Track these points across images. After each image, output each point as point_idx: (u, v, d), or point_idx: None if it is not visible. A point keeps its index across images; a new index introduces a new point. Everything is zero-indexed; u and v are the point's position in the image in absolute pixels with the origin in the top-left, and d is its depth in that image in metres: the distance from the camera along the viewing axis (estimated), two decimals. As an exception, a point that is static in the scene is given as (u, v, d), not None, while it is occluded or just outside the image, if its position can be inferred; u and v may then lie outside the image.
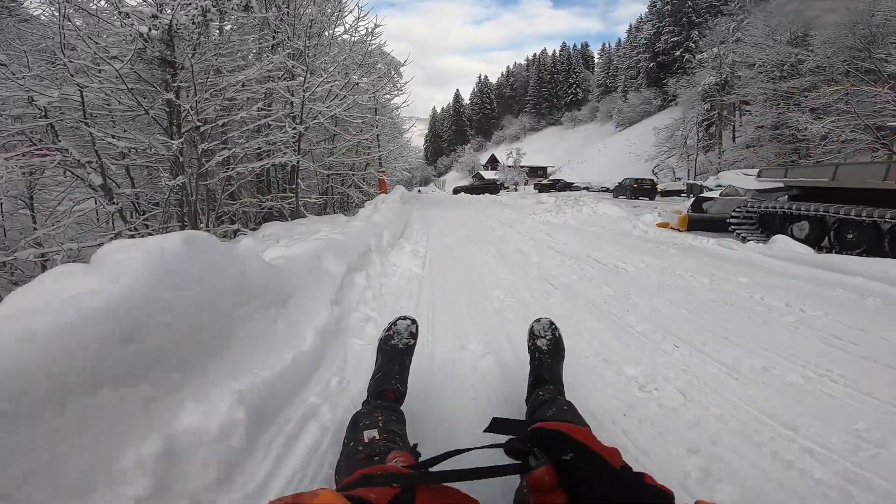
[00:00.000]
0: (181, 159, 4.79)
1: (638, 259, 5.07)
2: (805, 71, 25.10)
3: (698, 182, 21.63)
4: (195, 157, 5.10)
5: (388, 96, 11.75)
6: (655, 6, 64.00)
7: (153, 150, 4.91)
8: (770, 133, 27.36)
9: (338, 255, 3.28)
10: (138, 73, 4.87)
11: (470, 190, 36.07)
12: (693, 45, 55.63)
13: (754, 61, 28.17)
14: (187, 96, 4.88)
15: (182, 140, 4.79)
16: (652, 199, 26.14)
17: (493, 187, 36.31)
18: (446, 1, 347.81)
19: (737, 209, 7.64)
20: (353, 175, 10.10)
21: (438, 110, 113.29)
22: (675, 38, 58.59)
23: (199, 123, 4.80)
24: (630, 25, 77.22)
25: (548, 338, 1.68)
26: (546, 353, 1.64)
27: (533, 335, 1.72)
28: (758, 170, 9.35)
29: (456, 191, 38.59)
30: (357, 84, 8.19)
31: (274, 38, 7.42)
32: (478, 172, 64.31)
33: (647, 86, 62.60)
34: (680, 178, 37.13)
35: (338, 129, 8.81)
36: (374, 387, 1.50)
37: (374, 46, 9.50)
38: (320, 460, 1.47)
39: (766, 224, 7.35)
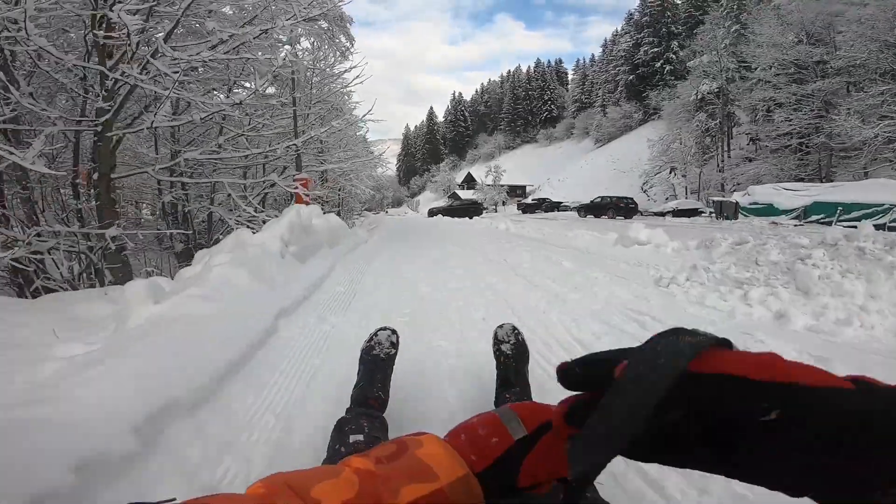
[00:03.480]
0: None
1: None
2: (831, 71, 21.91)
3: (731, 199, 17.62)
4: None
5: (325, 60, 7.31)
6: (633, 18, 62.07)
7: None
8: (782, 142, 24.04)
9: None
10: None
11: (448, 211, 31.17)
12: (673, 56, 53.94)
13: (761, 63, 25.12)
14: None
15: None
16: (629, 217, 23.16)
17: (473, 208, 31.49)
18: (423, 21, 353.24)
19: None
20: (244, 184, 5.40)
21: (412, 128, 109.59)
22: (655, 50, 56.47)
23: None
24: (605, 40, 75.59)
25: (511, 342, 1.68)
26: (511, 357, 1.64)
27: (497, 340, 1.71)
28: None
29: (432, 213, 33.78)
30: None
31: None
32: (454, 192, 60.25)
33: (627, 99, 60.11)
34: (675, 195, 33.75)
35: (185, 92, 4.06)
36: (358, 395, 1.49)
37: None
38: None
39: None
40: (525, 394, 1.56)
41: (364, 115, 7.87)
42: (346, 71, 7.79)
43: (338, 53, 7.54)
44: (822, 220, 15.47)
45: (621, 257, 5.04)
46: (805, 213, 15.98)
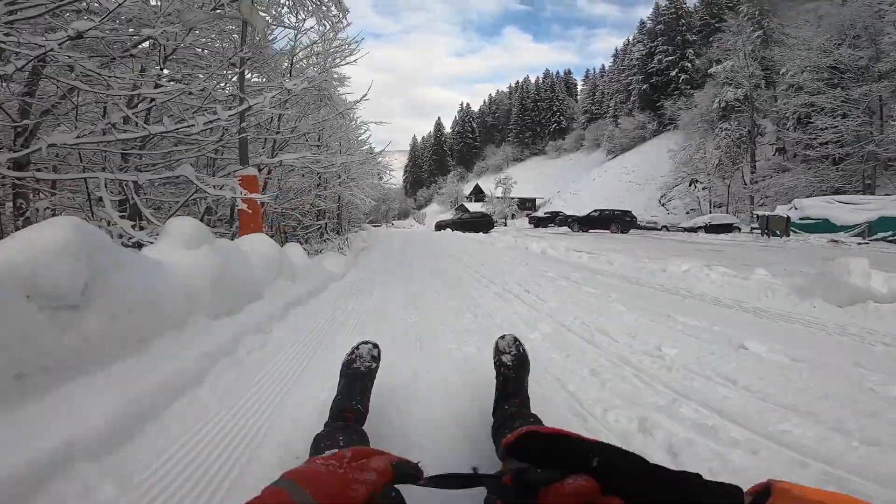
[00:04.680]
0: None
1: None
2: (876, 74, 20.02)
3: (781, 213, 15.59)
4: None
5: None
6: (646, 26, 60.57)
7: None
8: (824, 151, 22.01)
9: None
10: None
11: (457, 225, 28.89)
12: (689, 65, 52.22)
13: (793, 68, 23.32)
14: None
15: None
16: (625, 232, 21.70)
17: (485, 221, 29.17)
18: (431, 34, 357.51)
19: None
20: (133, 181, 3.35)
21: (419, 139, 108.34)
22: (670, 58, 54.85)
23: None
24: (616, 49, 74.26)
25: (512, 353, 1.67)
26: (511, 368, 1.62)
27: (498, 351, 1.70)
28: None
29: (439, 226, 31.59)
30: None
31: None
32: (462, 204, 58.45)
33: (641, 109, 58.29)
34: (700, 209, 31.69)
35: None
36: (335, 408, 1.47)
37: None
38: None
39: None
40: (525, 406, 1.54)
41: (359, 101, 5.89)
42: (337, 51, 5.97)
43: (327, 26, 5.74)
44: (890, 238, 13.55)
45: (850, 328, 2.72)
46: (870, 230, 13.99)
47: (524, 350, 1.70)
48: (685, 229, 22.23)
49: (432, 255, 9.63)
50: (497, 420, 1.47)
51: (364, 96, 5.71)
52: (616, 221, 22.96)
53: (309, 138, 8.47)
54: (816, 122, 20.62)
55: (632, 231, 22.10)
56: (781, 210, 16.99)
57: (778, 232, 15.02)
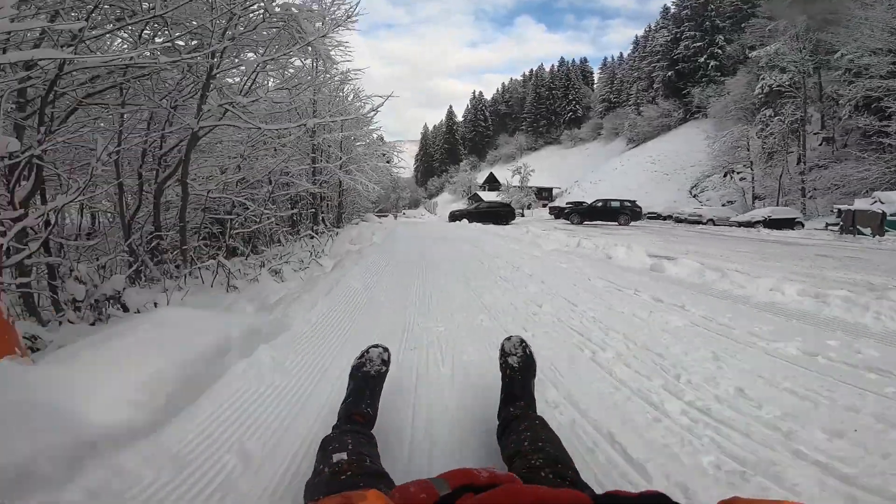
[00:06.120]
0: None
1: None
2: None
3: (874, 207, 13.13)
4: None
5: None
6: (670, 12, 57.47)
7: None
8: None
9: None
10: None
11: (475, 215, 26.21)
12: (719, 51, 49.27)
13: (856, 50, 20.79)
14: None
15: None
16: (626, 224, 20.87)
17: (505, 211, 26.44)
18: (444, 26, 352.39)
19: None
20: None
21: (430, 128, 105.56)
22: (698, 44, 51.78)
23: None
24: (636, 37, 71.12)
25: (519, 355, 1.62)
26: (517, 370, 1.58)
27: (504, 353, 1.65)
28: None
29: (453, 216, 28.65)
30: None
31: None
32: (475, 193, 56.07)
33: (665, 97, 55.35)
34: (734, 202, 29.19)
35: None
36: (345, 411, 1.45)
37: None
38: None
39: None
40: (530, 408, 1.48)
41: (345, 21, 3.56)
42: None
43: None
44: None
45: None
46: None
47: (531, 352, 1.66)
48: (739, 224, 19.68)
49: (459, 271, 5.73)
50: (502, 422, 1.42)
51: (350, 17, 3.46)
52: (624, 213, 21.46)
53: (293, 101, 6.24)
54: (893, 108, 18.04)
55: (682, 227, 19.83)
56: (862, 203, 14.57)
57: (866, 230, 12.62)
